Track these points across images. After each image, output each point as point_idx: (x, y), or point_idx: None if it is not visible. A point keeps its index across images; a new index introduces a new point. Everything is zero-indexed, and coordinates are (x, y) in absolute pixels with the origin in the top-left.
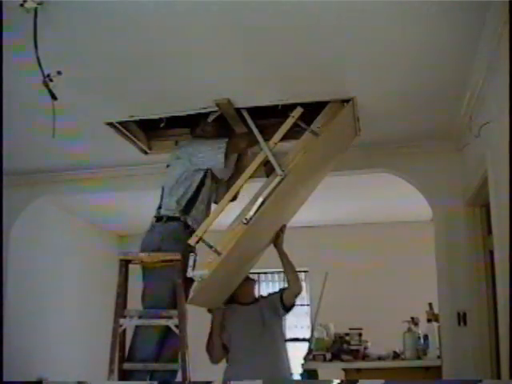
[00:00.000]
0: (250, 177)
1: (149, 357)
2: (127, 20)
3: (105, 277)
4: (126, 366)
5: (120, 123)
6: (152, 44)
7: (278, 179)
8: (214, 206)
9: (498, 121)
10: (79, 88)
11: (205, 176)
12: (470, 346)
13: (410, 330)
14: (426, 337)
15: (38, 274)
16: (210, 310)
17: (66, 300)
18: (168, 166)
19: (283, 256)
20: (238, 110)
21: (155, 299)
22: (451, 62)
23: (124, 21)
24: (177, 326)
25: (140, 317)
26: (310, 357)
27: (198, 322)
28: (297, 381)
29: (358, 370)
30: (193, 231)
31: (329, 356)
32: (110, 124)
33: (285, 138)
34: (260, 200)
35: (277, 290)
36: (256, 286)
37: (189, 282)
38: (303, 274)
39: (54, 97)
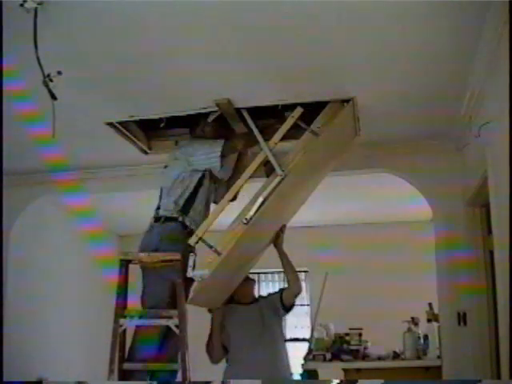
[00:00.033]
0: (250, 177)
1: (149, 357)
2: (127, 20)
3: (105, 277)
4: (126, 366)
5: (120, 123)
6: (152, 44)
7: (278, 179)
8: (213, 206)
9: (497, 121)
10: (79, 88)
11: (203, 176)
12: (470, 345)
13: (409, 329)
14: (426, 337)
15: (38, 274)
16: (210, 310)
17: (66, 300)
18: (166, 166)
19: (283, 256)
20: (238, 110)
21: (155, 299)
22: (451, 62)
23: (124, 21)
24: (177, 326)
25: (140, 317)
26: (310, 357)
27: (197, 322)
28: (297, 381)
29: (358, 370)
30: (191, 231)
31: (329, 356)
32: (110, 124)
33: (285, 137)
34: (260, 200)
35: (277, 290)
36: (255, 286)
37: (189, 281)
38: (303, 274)
39: (53, 97)
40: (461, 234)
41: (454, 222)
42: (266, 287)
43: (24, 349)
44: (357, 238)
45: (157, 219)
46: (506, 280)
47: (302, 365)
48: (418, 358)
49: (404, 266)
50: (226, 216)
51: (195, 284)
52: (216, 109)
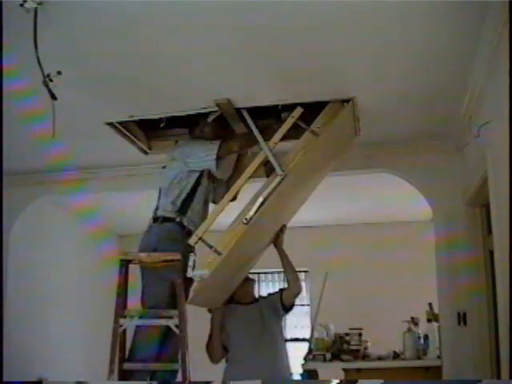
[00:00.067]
0: (250, 177)
1: (149, 357)
2: (127, 20)
3: (105, 277)
4: (126, 366)
5: (120, 123)
6: (152, 44)
7: (278, 179)
8: (213, 206)
9: (497, 121)
10: (79, 88)
11: (201, 176)
12: (470, 346)
13: (410, 329)
14: (426, 337)
15: (38, 274)
16: (210, 310)
17: (66, 300)
18: (164, 167)
19: (283, 256)
20: (238, 110)
21: (154, 299)
22: (451, 61)
23: (124, 21)
24: (177, 326)
25: (140, 317)
26: (310, 357)
27: (198, 322)
28: (297, 381)
29: (358, 370)
30: (189, 232)
31: (329, 356)
32: (110, 124)
33: (285, 137)
34: (260, 200)
35: (277, 290)
36: (255, 286)
37: (189, 281)
38: (303, 273)
39: (53, 97)
40: (461, 233)
41: (454, 221)
42: (266, 287)
43: (24, 349)
44: (357, 237)
45: (155, 219)
46: (506, 280)
47: (302, 365)
48: (418, 357)
49: (404, 266)
50: (226, 216)
51: (195, 284)
52: (216, 109)
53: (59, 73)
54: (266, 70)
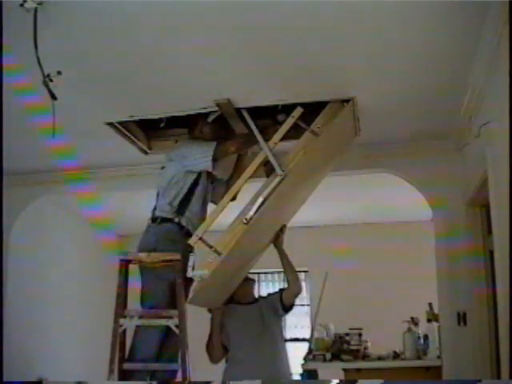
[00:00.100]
0: (250, 177)
1: (149, 357)
2: (127, 20)
3: (105, 277)
4: (126, 366)
5: (120, 123)
6: (152, 44)
7: (278, 179)
8: (212, 206)
9: (497, 121)
10: (79, 88)
11: (198, 177)
12: (470, 345)
13: (410, 329)
14: (426, 337)
15: (38, 274)
16: (210, 310)
17: (66, 300)
18: (163, 167)
19: (283, 256)
20: (238, 110)
21: (154, 299)
22: (451, 61)
23: (124, 21)
24: (177, 326)
25: (140, 317)
26: (310, 357)
27: (197, 322)
28: (297, 381)
29: (358, 370)
30: (188, 232)
31: (329, 356)
32: (110, 124)
33: (285, 137)
34: (260, 200)
35: (277, 290)
36: (255, 286)
37: (188, 281)
38: (303, 273)
39: (53, 97)
40: (461, 233)
41: (454, 222)
42: (266, 287)
43: (24, 349)
44: (357, 238)
45: (153, 220)
46: (506, 280)
47: (302, 365)
48: (418, 357)
49: (404, 266)
50: (226, 216)
51: (195, 284)
52: (216, 109)
53: (59, 73)
54: (266, 70)
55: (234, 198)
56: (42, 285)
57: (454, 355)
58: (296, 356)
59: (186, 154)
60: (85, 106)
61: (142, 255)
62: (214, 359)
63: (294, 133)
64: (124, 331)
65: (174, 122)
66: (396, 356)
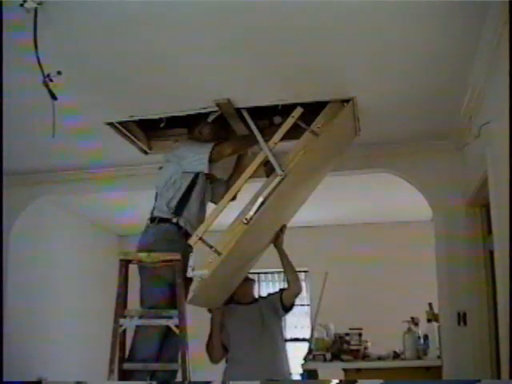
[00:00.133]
0: (250, 177)
1: (149, 357)
2: (127, 20)
3: (105, 277)
4: (126, 366)
5: (120, 123)
6: (152, 44)
7: (278, 179)
8: (212, 206)
9: (497, 121)
10: (79, 88)
11: (196, 177)
12: (470, 345)
13: (410, 329)
14: (426, 337)
15: (38, 274)
16: (210, 310)
17: (66, 300)
18: (161, 168)
19: (283, 256)
20: (238, 110)
21: (153, 299)
22: (451, 61)
23: (124, 21)
24: (177, 326)
25: (140, 317)
26: (310, 357)
27: (197, 322)
28: (297, 381)
29: (358, 370)
30: (186, 232)
31: (329, 356)
32: (110, 124)
33: (285, 137)
34: (260, 200)
35: (277, 290)
36: (255, 286)
37: (188, 281)
38: (303, 273)
39: (53, 97)
40: (461, 233)
41: (454, 221)
42: (266, 287)
43: (24, 349)
44: (357, 238)
45: (152, 220)
46: (506, 280)
47: (302, 365)
48: (418, 357)
49: (404, 266)
50: (226, 216)
51: (195, 284)
52: (216, 109)
53: (59, 73)
54: (265, 70)
55: (233, 198)
56: (41, 284)
57: (454, 355)
58: (296, 356)
59: (182, 155)
60: (85, 106)
61: (142, 255)
62: (213, 359)
63: (294, 133)
64: (124, 331)
65: (173, 122)
66: (396, 356)
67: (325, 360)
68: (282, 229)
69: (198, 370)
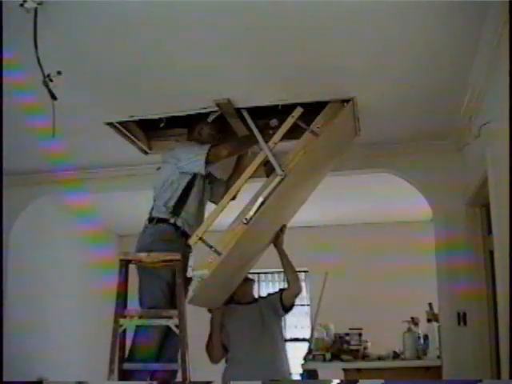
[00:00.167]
0: (250, 177)
1: (149, 357)
2: (127, 20)
3: (105, 277)
4: (126, 366)
5: (120, 123)
6: (152, 44)
7: (278, 179)
8: (212, 206)
9: (497, 121)
10: (79, 88)
11: (194, 178)
12: (470, 345)
13: (410, 329)
14: (426, 337)
15: (38, 274)
16: (210, 310)
17: (66, 300)
18: (159, 168)
19: (283, 256)
20: (238, 110)
21: (152, 299)
22: (451, 61)
23: (124, 21)
24: (177, 326)
25: (140, 317)
26: (310, 357)
27: (198, 322)
28: (297, 381)
29: (358, 370)
30: (184, 232)
31: (329, 356)
32: (110, 124)
33: (285, 137)
34: (260, 200)
35: (277, 290)
36: (254, 286)
37: (187, 281)
38: (303, 274)
39: (53, 97)
40: (461, 233)
41: (454, 221)
42: (266, 287)
43: (24, 349)
44: (357, 238)
45: (150, 220)
46: (506, 280)
47: (302, 365)
48: (418, 358)
49: (404, 266)
50: (226, 216)
51: (195, 284)
52: (216, 109)
53: (59, 73)
54: (265, 69)
55: (233, 198)
56: (42, 285)
57: (454, 355)
58: (296, 356)
59: (179, 156)
60: (85, 105)
61: (142, 255)
62: (213, 359)
63: (294, 133)
64: (124, 331)
65: (174, 122)
66: (396, 356)
67: (325, 360)
68: (282, 229)
69: (198, 370)
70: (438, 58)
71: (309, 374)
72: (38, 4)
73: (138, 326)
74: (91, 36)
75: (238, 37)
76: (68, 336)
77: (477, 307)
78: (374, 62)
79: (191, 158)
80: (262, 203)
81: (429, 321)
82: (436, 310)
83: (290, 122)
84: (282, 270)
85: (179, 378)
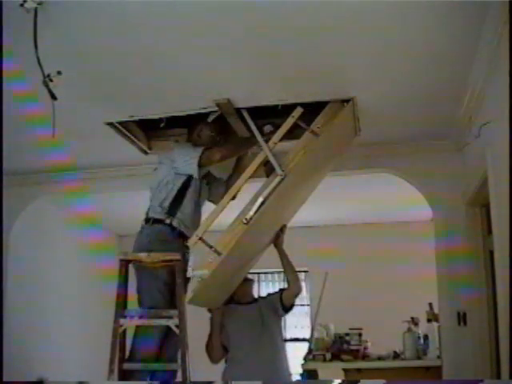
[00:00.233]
0: (250, 177)
1: (149, 357)
2: (127, 20)
3: (105, 277)
4: (126, 366)
5: (120, 123)
6: (152, 44)
7: (278, 179)
8: (209, 206)
9: (497, 121)
10: (79, 88)
11: (189, 179)
12: (470, 346)
13: (410, 329)
14: (426, 337)
15: (38, 274)
16: (210, 310)
17: (66, 300)
18: (155, 169)
19: (283, 256)
20: (238, 110)
21: (152, 299)
22: (451, 61)
23: (124, 21)
24: (177, 326)
25: (140, 317)
26: (310, 357)
27: (197, 322)
28: (297, 381)
29: (358, 370)
30: (180, 233)
31: (329, 356)
32: (110, 124)
33: (285, 137)
34: (260, 200)
35: (276, 290)
36: (254, 286)
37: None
38: (303, 273)
39: (53, 97)
40: (461, 234)
41: (454, 221)
42: (266, 287)
43: (24, 349)
44: (357, 238)
45: (147, 221)
46: (506, 280)
47: (302, 365)
48: (418, 358)
49: (404, 266)
50: (226, 216)
51: (196, 284)
52: (216, 109)
53: (59, 73)
54: (266, 69)
55: (233, 198)
56: (41, 285)
57: (454, 355)
58: (296, 356)
59: (174, 157)
60: (85, 105)
61: (143, 255)
62: (213, 359)
63: (294, 133)
64: (124, 331)
65: (174, 122)
66: (396, 356)
67: (325, 360)
68: (282, 229)
69: (198, 370)
70: (437, 58)
71: (309, 374)
72: (38, 4)
73: (137, 327)
74: (91, 36)
75: (238, 37)
76: (68, 336)
77: (477, 307)
78: (374, 62)
79: (187, 161)
80: (262, 203)
81: (429, 321)
82: (436, 310)
83: (290, 122)
84: (281, 270)
85: (179, 378)
